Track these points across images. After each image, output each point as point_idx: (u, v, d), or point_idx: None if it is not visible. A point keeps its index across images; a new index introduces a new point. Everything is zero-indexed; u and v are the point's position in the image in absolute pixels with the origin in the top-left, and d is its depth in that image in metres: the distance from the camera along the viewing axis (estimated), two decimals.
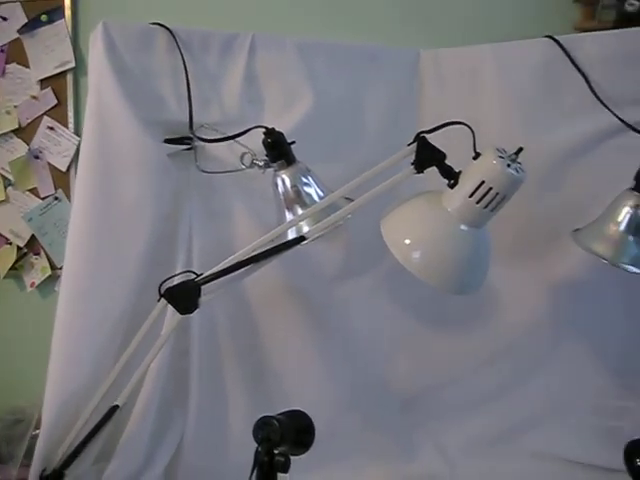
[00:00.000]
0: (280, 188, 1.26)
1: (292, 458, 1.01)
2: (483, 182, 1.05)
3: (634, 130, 1.36)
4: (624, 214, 1.23)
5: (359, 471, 1.46)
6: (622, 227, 1.22)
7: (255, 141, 1.29)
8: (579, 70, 1.38)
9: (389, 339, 1.55)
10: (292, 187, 1.25)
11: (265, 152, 1.27)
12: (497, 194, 1.06)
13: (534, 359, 1.51)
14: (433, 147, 1.13)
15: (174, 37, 1.35)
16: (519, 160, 1.08)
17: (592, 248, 1.24)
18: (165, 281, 1.21)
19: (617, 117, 1.37)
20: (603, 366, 1.48)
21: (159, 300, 1.18)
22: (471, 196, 1.07)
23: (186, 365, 1.44)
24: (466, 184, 1.08)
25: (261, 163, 1.28)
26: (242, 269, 1.16)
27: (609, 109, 1.37)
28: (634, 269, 1.22)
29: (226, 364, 1.48)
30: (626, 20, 1.50)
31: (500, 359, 1.52)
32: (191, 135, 1.37)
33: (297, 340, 1.50)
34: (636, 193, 1.23)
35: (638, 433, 1.08)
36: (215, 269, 1.16)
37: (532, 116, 1.43)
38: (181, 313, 1.17)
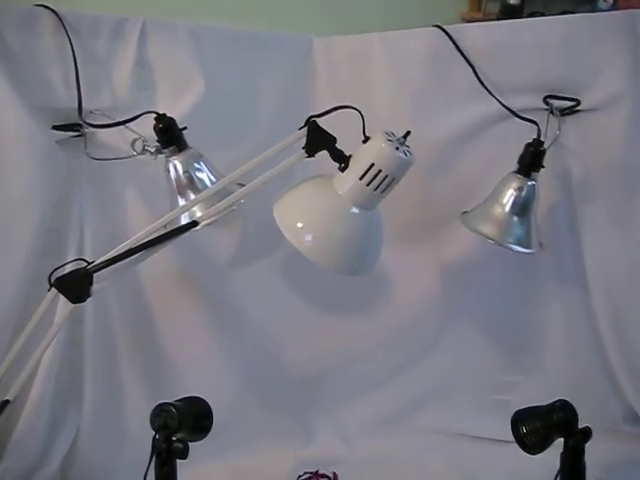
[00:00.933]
0: (172, 174, 1.25)
1: (192, 445, 1.01)
2: (373, 165, 1.07)
3: (517, 117, 1.41)
4: (509, 196, 1.28)
5: (258, 455, 1.46)
6: (507, 208, 1.28)
7: (147, 127, 1.27)
8: (466, 59, 1.42)
9: (285, 323, 1.56)
10: (184, 173, 1.24)
11: (156, 138, 1.25)
12: (386, 176, 1.07)
13: (427, 339, 1.57)
14: (323, 131, 1.14)
15: (61, 20, 1.30)
16: (407, 144, 1.10)
17: (479, 229, 1.29)
18: (55, 270, 1.17)
19: (502, 104, 1.42)
20: (492, 344, 1.55)
21: (49, 290, 1.15)
22: (361, 179, 1.08)
23: (80, 357, 1.40)
24: (356, 167, 1.09)
25: (152, 149, 1.27)
26: (134, 255, 1.14)
27: (494, 97, 1.42)
28: (519, 248, 1.27)
29: (121, 354, 1.45)
30: (509, 12, 1.57)
31: (395, 340, 1.57)
32: (80, 121, 1.33)
33: (193, 327, 1.49)
34: (519, 176, 1.28)
35: (525, 405, 1.13)
36: (107, 256, 1.12)
37: (421, 103, 1.46)
38: (72, 302, 1.13)
